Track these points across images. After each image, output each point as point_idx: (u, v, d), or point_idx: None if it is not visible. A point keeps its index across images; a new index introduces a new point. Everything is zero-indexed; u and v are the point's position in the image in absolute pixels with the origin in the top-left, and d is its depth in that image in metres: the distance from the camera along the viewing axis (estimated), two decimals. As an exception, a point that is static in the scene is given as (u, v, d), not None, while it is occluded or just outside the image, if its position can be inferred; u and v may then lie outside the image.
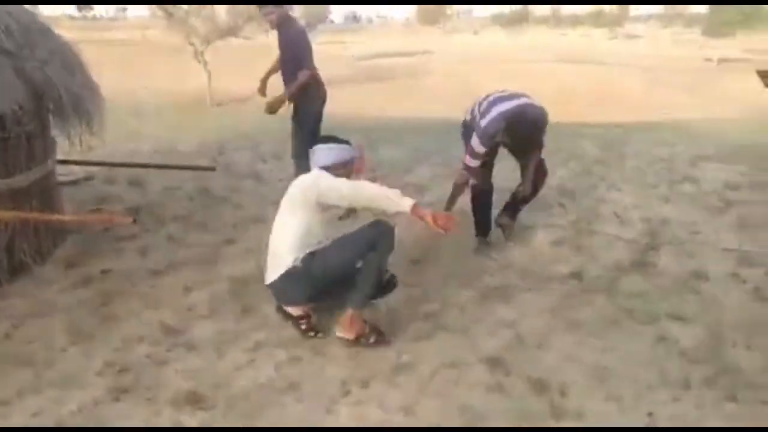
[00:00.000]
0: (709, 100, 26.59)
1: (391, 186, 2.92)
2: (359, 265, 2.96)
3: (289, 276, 3.02)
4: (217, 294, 3.66)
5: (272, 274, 3.10)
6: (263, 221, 5.03)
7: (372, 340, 3.04)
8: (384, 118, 13.92)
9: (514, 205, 4.47)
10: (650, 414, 2.48)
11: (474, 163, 3.99)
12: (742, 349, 2.96)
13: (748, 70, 40.79)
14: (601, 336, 3.13)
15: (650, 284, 3.72)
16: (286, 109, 5.17)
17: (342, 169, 3.16)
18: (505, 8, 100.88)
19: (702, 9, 58.29)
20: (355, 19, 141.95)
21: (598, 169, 6.79)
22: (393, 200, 2.83)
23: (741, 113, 19.65)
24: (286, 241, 3.04)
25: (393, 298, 3.37)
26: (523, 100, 3.88)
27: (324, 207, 3.02)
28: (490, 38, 78.31)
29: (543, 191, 4.43)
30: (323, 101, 5.26)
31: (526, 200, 4.39)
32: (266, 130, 9.60)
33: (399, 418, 2.52)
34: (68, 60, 4.00)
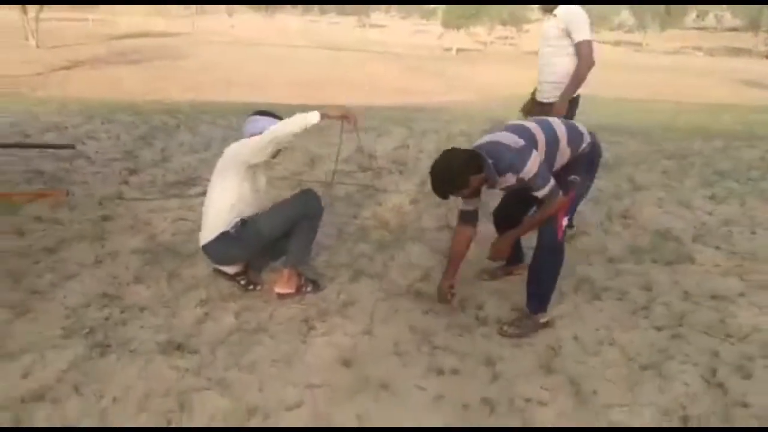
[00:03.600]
0: (454, 86, 29.90)
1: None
2: None
3: (221, 240, 3.25)
4: (133, 264, 3.74)
5: (206, 237, 3.30)
6: (123, 197, 5.03)
7: (310, 289, 3.45)
8: (158, 102, 13.43)
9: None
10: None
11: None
12: (584, 266, 3.95)
13: (481, 59, 46.12)
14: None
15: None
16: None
17: None
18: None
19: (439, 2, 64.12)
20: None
21: (414, 143, 7.69)
22: (302, 119, 3.08)
23: (480, 96, 22.50)
24: (219, 206, 3.26)
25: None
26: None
27: (255, 172, 3.31)
28: (244, 21, 77.72)
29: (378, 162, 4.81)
30: None
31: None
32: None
33: (364, 340, 3.01)
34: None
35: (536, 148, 2.90)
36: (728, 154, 7.82)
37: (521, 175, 2.86)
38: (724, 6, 77.35)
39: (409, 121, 10.17)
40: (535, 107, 4.44)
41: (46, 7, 39.47)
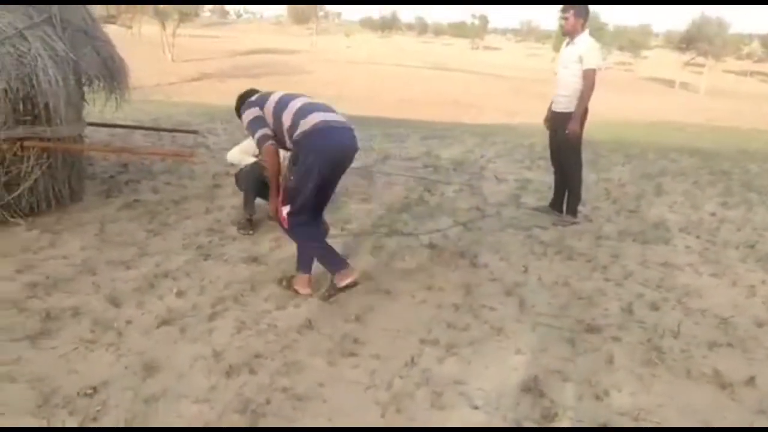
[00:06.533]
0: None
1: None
2: None
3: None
4: (231, 214, 5.15)
5: None
6: (230, 174, 6.47)
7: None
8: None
9: None
10: (525, 266, 4.35)
11: None
12: (574, 241, 4.95)
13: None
14: (504, 233, 5.01)
15: (521, 212, 5.68)
16: None
17: None
18: (375, 13, 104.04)
19: (554, 26, 64.40)
20: (224, 13, 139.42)
21: (480, 150, 8.82)
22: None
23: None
24: None
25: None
26: None
27: None
28: (361, 42, 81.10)
29: (440, 162, 6.15)
30: None
31: None
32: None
33: (381, 267, 4.20)
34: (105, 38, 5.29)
35: (261, 107, 3.56)
36: (774, 174, 8.38)
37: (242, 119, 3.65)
38: None
39: (487, 134, 11.30)
40: (551, 116, 5.48)
41: (181, 24, 43.64)
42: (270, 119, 3.54)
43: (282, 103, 3.52)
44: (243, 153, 4.85)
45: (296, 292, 3.70)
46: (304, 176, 3.39)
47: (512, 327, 3.44)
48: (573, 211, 5.43)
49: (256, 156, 4.74)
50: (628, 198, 6.41)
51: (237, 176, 4.93)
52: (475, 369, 3.01)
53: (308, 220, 3.59)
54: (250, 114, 3.58)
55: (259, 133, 3.52)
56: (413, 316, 3.54)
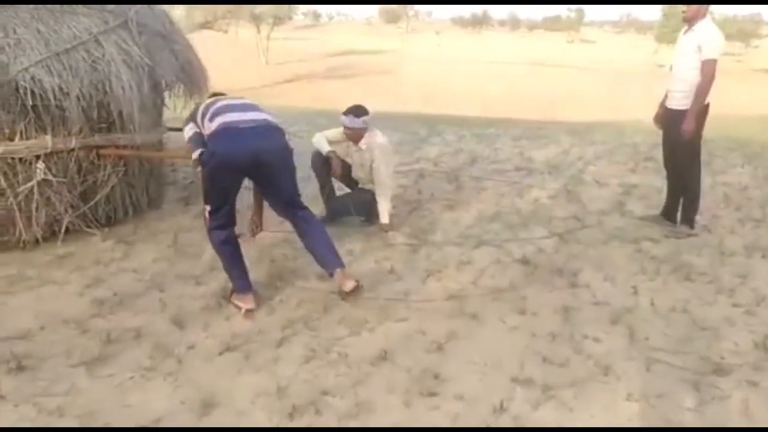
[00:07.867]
0: (656, 102, 28.73)
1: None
2: None
3: None
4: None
5: None
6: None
7: None
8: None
9: None
10: (634, 287, 3.80)
11: None
12: (691, 256, 4.34)
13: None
14: (607, 247, 4.49)
15: (626, 222, 5.09)
16: None
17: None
18: (465, 10, 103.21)
19: (655, 16, 61.40)
20: (316, 15, 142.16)
21: (576, 151, 8.18)
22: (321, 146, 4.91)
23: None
24: None
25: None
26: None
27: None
28: (451, 39, 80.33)
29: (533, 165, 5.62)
30: None
31: None
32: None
33: (470, 287, 3.77)
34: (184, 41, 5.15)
35: (195, 120, 3.55)
36: None
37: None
38: None
39: (584, 132, 10.57)
40: (664, 113, 4.85)
41: (275, 27, 44.48)
42: (202, 129, 3.46)
43: (207, 111, 3.40)
44: (324, 140, 4.84)
45: (237, 307, 3.43)
46: (207, 178, 3.31)
47: (621, 365, 2.93)
48: (689, 221, 4.79)
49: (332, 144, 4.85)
50: (753, 205, 5.66)
51: (312, 158, 5.02)
52: (579, 417, 2.55)
53: (225, 223, 3.42)
54: (188, 130, 3.59)
55: (195, 153, 3.46)
56: (503, 347, 3.10)
